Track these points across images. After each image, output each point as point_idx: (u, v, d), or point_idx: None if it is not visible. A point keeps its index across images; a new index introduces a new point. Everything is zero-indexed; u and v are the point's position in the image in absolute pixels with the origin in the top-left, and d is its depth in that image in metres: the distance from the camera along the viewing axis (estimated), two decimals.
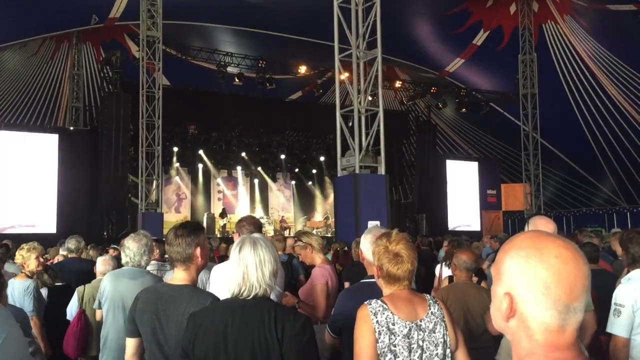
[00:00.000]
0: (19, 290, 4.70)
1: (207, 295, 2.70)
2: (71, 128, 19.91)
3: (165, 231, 15.74)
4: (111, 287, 3.76)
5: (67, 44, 20.75)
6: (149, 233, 4.07)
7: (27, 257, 4.93)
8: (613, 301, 3.18)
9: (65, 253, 7.19)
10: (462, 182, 23.04)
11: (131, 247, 3.79)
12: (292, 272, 6.45)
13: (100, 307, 3.87)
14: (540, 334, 1.09)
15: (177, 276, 2.72)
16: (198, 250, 2.66)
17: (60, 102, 21.32)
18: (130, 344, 2.74)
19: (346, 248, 8.33)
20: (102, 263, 5.02)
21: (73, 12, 17.45)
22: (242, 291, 2.22)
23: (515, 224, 22.87)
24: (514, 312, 1.12)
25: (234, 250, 2.30)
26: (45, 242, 11.01)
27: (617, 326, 3.10)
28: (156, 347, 2.58)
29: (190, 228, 2.74)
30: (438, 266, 6.63)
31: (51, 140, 17.29)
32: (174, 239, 2.67)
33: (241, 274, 2.22)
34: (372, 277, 2.76)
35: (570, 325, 1.09)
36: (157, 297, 2.67)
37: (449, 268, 5.62)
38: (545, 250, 1.10)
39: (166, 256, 3.86)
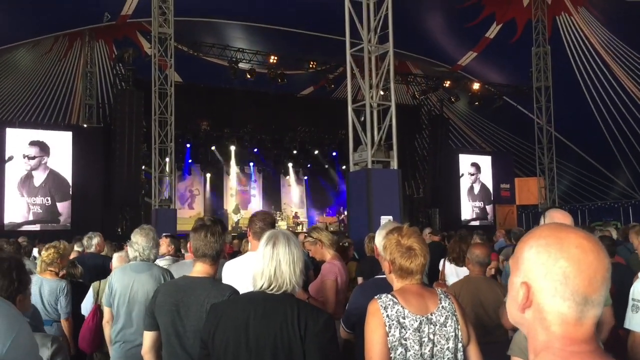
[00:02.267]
0: (50, 290, 4.72)
1: (226, 287, 2.73)
2: (84, 125, 20.04)
3: (178, 227, 15.84)
4: (120, 283, 3.77)
5: (80, 41, 20.86)
6: (153, 227, 4.11)
7: (61, 256, 5.01)
8: (631, 296, 3.10)
9: (80, 249, 7.23)
10: (475, 176, 22.90)
11: (140, 242, 3.81)
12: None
13: (109, 305, 3.84)
14: (557, 326, 1.07)
15: (199, 269, 2.76)
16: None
17: (74, 99, 21.46)
18: (148, 337, 2.76)
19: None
20: (118, 259, 5.04)
21: (85, 10, 17.55)
22: (272, 286, 2.21)
23: (529, 218, 22.67)
24: (530, 302, 1.09)
25: (265, 245, 2.27)
26: (60, 238, 11.15)
27: (635, 322, 3.04)
28: (175, 338, 2.61)
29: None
30: (442, 261, 6.58)
31: (65, 138, 17.43)
32: (211, 235, 2.74)
33: (274, 269, 2.21)
34: None
35: (588, 319, 1.06)
36: (176, 289, 2.71)
37: (451, 263, 5.57)
38: (566, 240, 1.08)
39: (189, 250, 3.89)
